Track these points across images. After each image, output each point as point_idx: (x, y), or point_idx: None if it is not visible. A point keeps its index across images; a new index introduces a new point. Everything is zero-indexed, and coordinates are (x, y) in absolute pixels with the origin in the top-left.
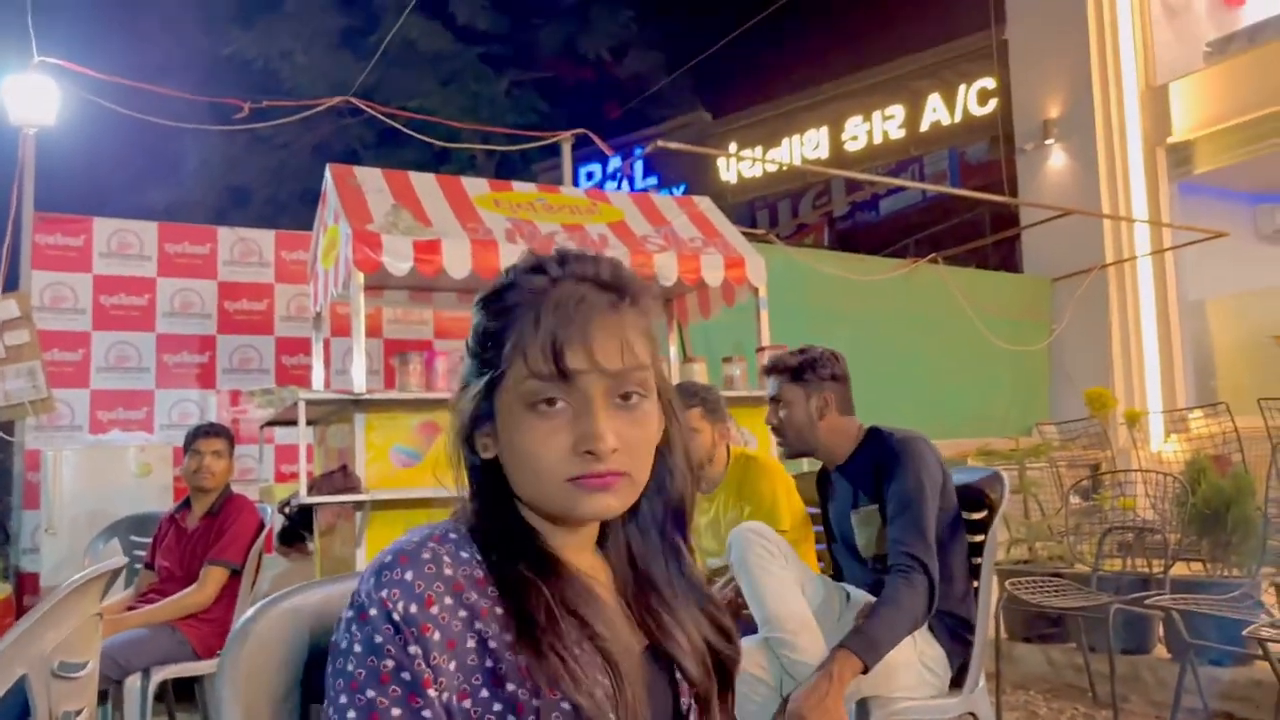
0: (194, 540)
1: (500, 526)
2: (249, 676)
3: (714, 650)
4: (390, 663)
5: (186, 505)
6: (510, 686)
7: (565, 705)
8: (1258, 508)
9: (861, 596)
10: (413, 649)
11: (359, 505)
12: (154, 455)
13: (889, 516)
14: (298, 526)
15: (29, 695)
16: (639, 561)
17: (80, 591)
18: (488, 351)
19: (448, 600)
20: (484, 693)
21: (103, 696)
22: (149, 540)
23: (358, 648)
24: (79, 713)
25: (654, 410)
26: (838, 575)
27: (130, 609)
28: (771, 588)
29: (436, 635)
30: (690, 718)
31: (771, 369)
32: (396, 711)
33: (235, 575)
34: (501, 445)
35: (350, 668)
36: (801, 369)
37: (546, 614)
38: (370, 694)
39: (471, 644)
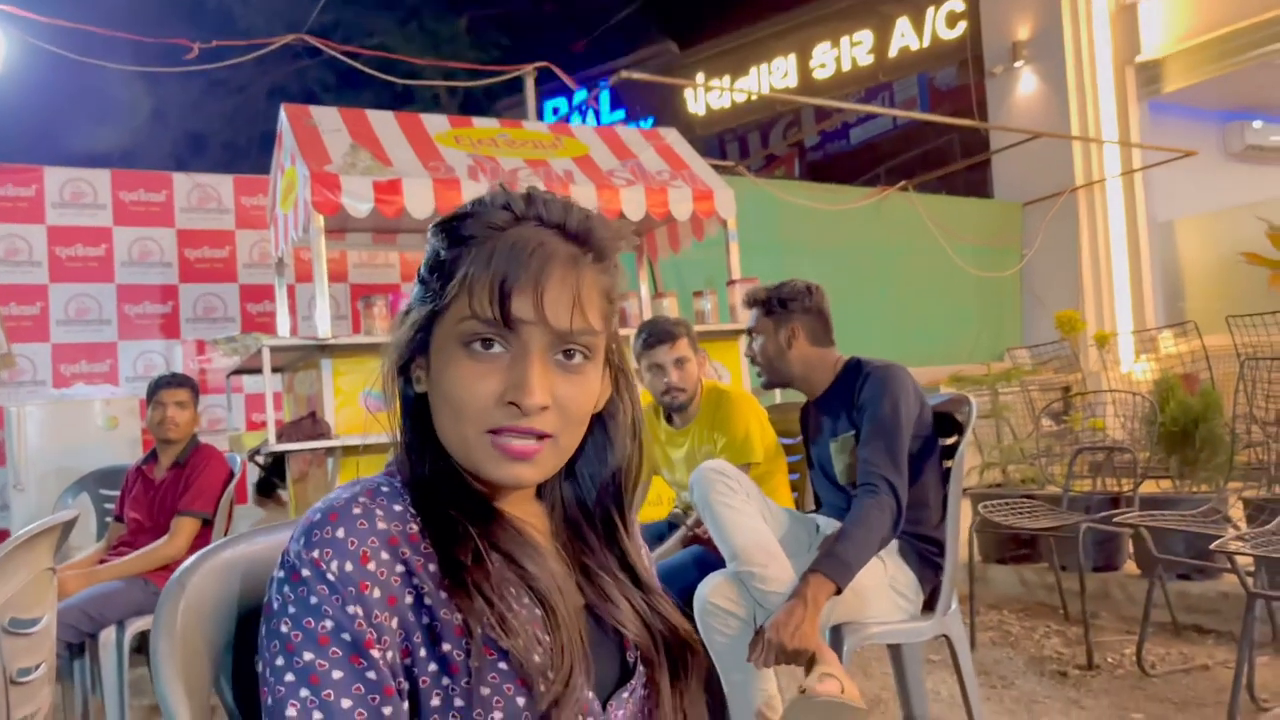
0: (162, 492)
1: (432, 468)
2: (185, 630)
3: (660, 636)
4: (329, 623)
5: (153, 457)
6: (446, 645)
7: (502, 665)
8: (1225, 424)
9: (832, 526)
10: (351, 609)
11: (330, 451)
12: (120, 408)
13: (862, 440)
14: (272, 476)
15: None
16: (573, 518)
17: (27, 546)
18: (435, 280)
19: (384, 555)
20: (421, 651)
21: (79, 650)
22: (118, 493)
23: (292, 609)
24: (36, 668)
25: (595, 374)
26: (817, 506)
27: (101, 562)
28: (736, 522)
29: (376, 592)
30: (634, 679)
31: (747, 302)
32: (338, 674)
33: (206, 525)
34: (431, 381)
35: (285, 629)
36: (770, 301)
37: (475, 556)
38: (308, 656)
39: (409, 600)
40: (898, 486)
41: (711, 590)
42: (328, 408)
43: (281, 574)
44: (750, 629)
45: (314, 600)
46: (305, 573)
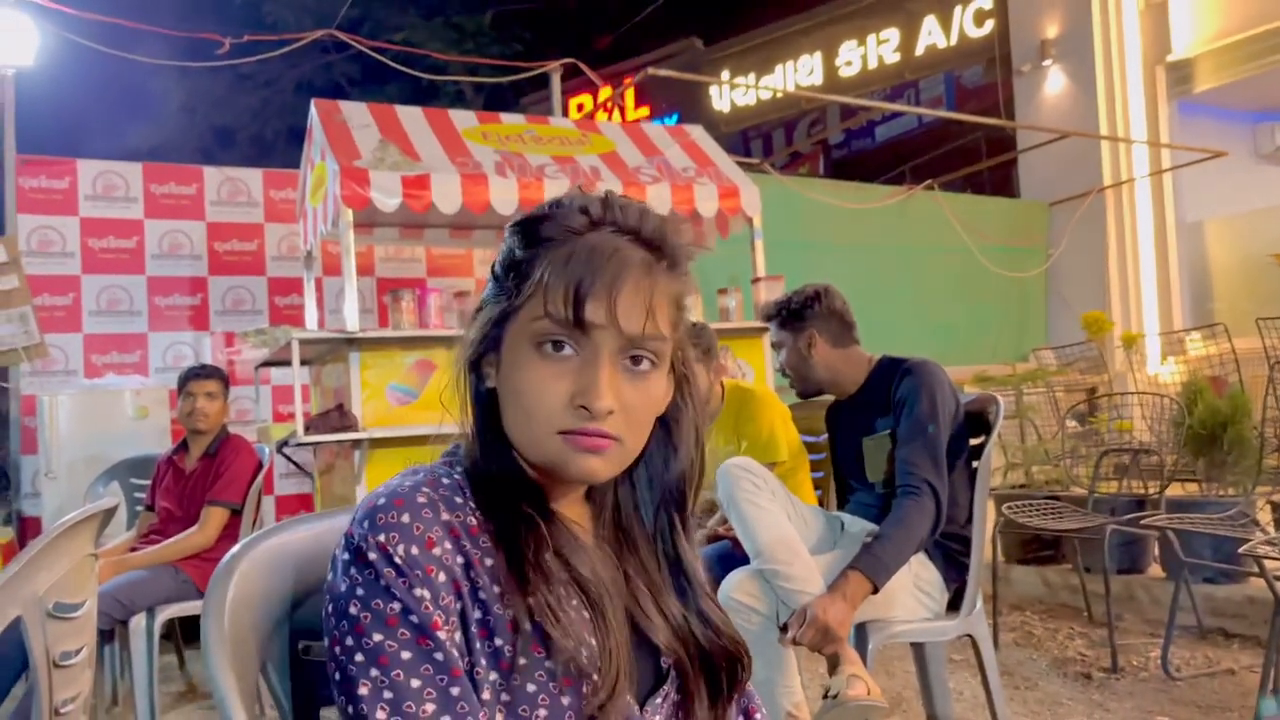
0: (193, 481)
1: (497, 465)
2: (234, 613)
3: (699, 646)
4: (396, 605)
5: (184, 447)
6: (498, 640)
7: (548, 664)
8: (1254, 427)
9: (858, 524)
10: (419, 591)
11: (356, 444)
12: (150, 398)
13: (901, 439)
14: None
15: (24, 637)
16: (624, 522)
17: (71, 532)
18: (510, 279)
19: (447, 544)
20: (476, 643)
21: (109, 636)
22: (148, 482)
23: (360, 591)
24: (78, 652)
25: (662, 380)
26: (841, 504)
27: (132, 550)
28: (761, 520)
29: (441, 577)
30: (668, 684)
31: (762, 317)
32: (407, 655)
33: (236, 515)
34: (501, 378)
35: (354, 611)
36: (783, 312)
37: (536, 553)
38: (378, 637)
39: (466, 590)
40: (939, 489)
41: (735, 586)
42: (355, 400)
43: (347, 556)
44: (773, 625)
45: (382, 583)
46: (372, 556)
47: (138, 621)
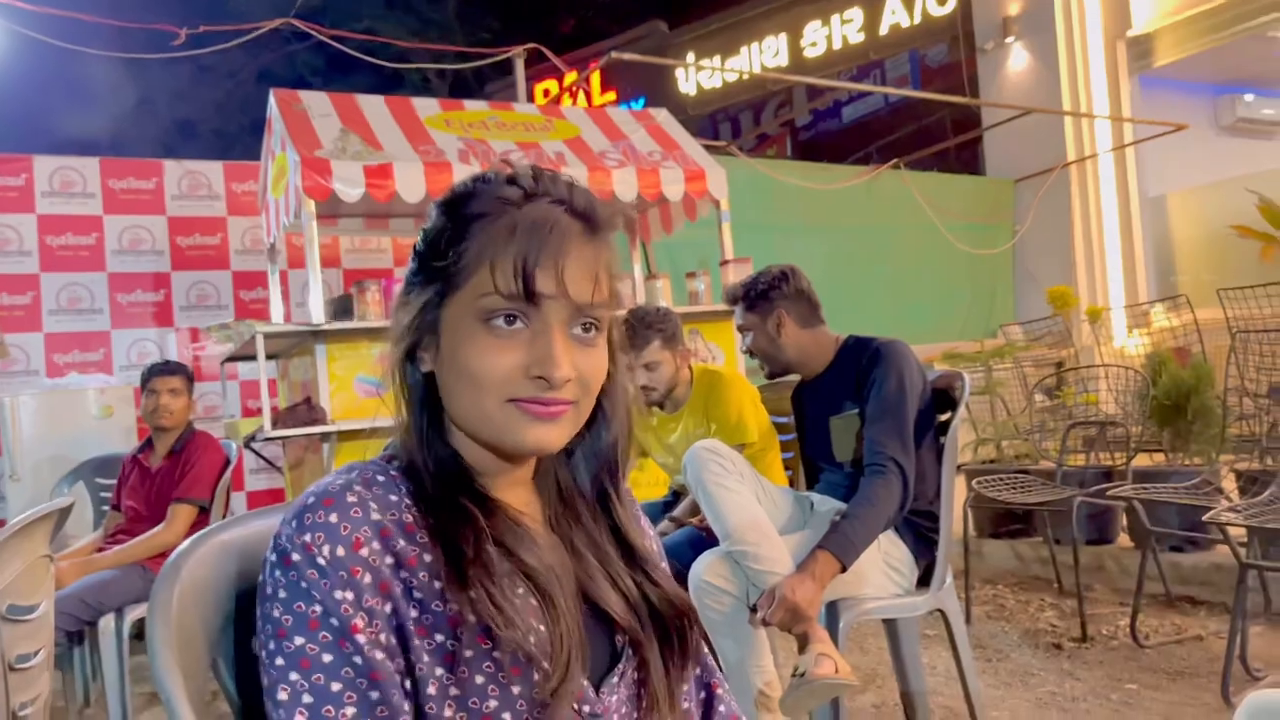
0: (159, 479)
1: (434, 455)
2: (181, 613)
3: (650, 610)
4: (318, 608)
5: (149, 445)
6: (439, 637)
7: (496, 654)
8: (1217, 397)
9: (827, 503)
10: (340, 594)
11: (325, 437)
12: (115, 396)
13: (868, 418)
14: None
15: None
16: (567, 496)
17: (24, 533)
18: (441, 259)
19: (375, 544)
20: (415, 640)
21: (79, 638)
22: (114, 482)
23: (283, 593)
24: (35, 654)
25: (604, 347)
26: (810, 484)
27: (99, 551)
28: (729, 502)
29: (368, 578)
30: (623, 662)
31: (728, 300)
32: (328, 657)
33: (204, 512)
34: (442, 359)
35: (277, 614)
36: (750, 295)
37: (476, 548)
38: (299, 640)
39: (398, 590)
40: (906, 468)
41: (706, 569)
42: (323, 393)
43: (274, 557)
44: (743, 606)
45: (304, 585)
46: (296, 557)
47: (107, 622)
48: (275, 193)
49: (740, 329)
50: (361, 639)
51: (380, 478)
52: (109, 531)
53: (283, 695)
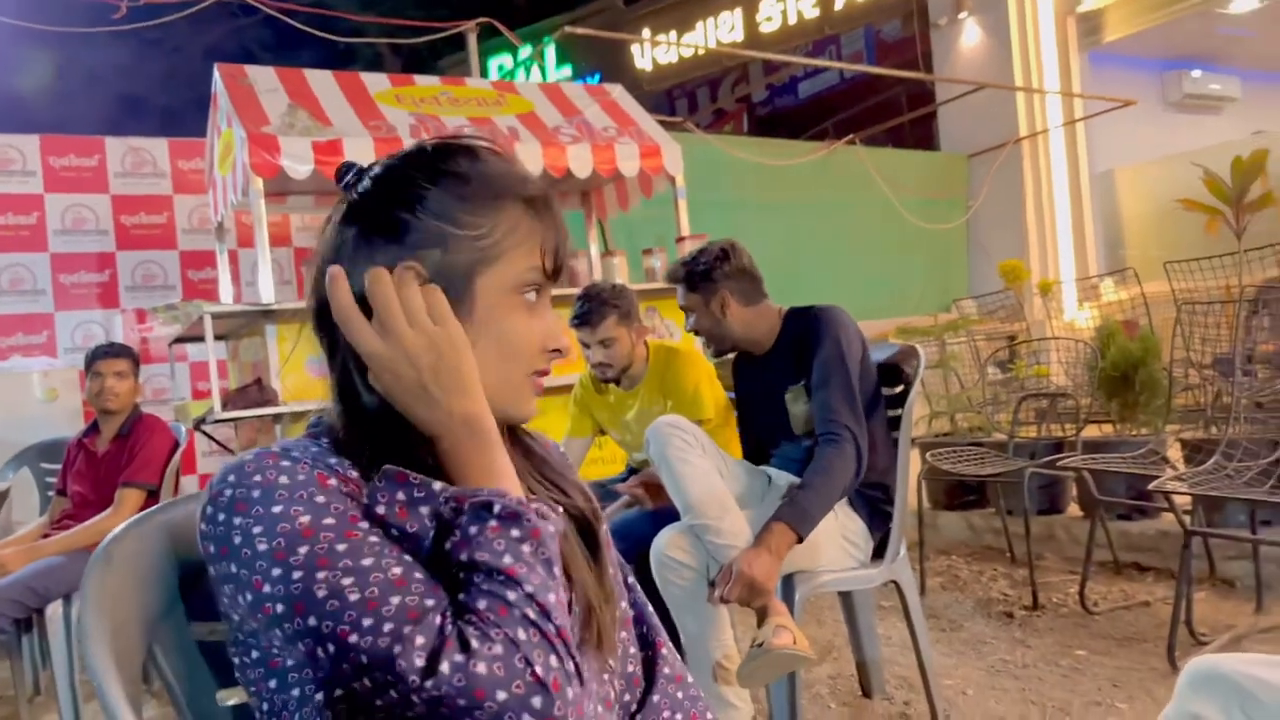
0: (105, 464)
1: (387, 426)
2: (116, 600)
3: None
4: (306, 518)
5: (95, 429)
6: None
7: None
8: (1163, 368)
9: (784, 477)
10: (320, 498)
11: (277, 418)
12: (59, 380)
13: (814, 386)
14: None
15: None
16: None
17: None
18: (470, 227)
19: (332, 482)
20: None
21: (26, 625)
22: (60, 467)
23: (258, 528)
24: None
25: None
26: (756, 459)
27: (45, 537)
28: (691, 476)
29: (340, 489)
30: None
31: (670, 280)
32: (341, 546)
33: (152, 496)
34: (476, 323)
35: (263, 547)
36: (692, 275)
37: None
38: (303, 550)
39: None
40: (858, 433)
41: (667, 543)
42: (274, 374)
43: (222, 515)
44: (703, 580)
45: (277, 509)
46: (255, 494)
47: (54, 609)
48: (222, 170)
49: (684, 309)
50: (364, 524)
51: (314, 447)
52: (55, 517)
53: (322, 592)
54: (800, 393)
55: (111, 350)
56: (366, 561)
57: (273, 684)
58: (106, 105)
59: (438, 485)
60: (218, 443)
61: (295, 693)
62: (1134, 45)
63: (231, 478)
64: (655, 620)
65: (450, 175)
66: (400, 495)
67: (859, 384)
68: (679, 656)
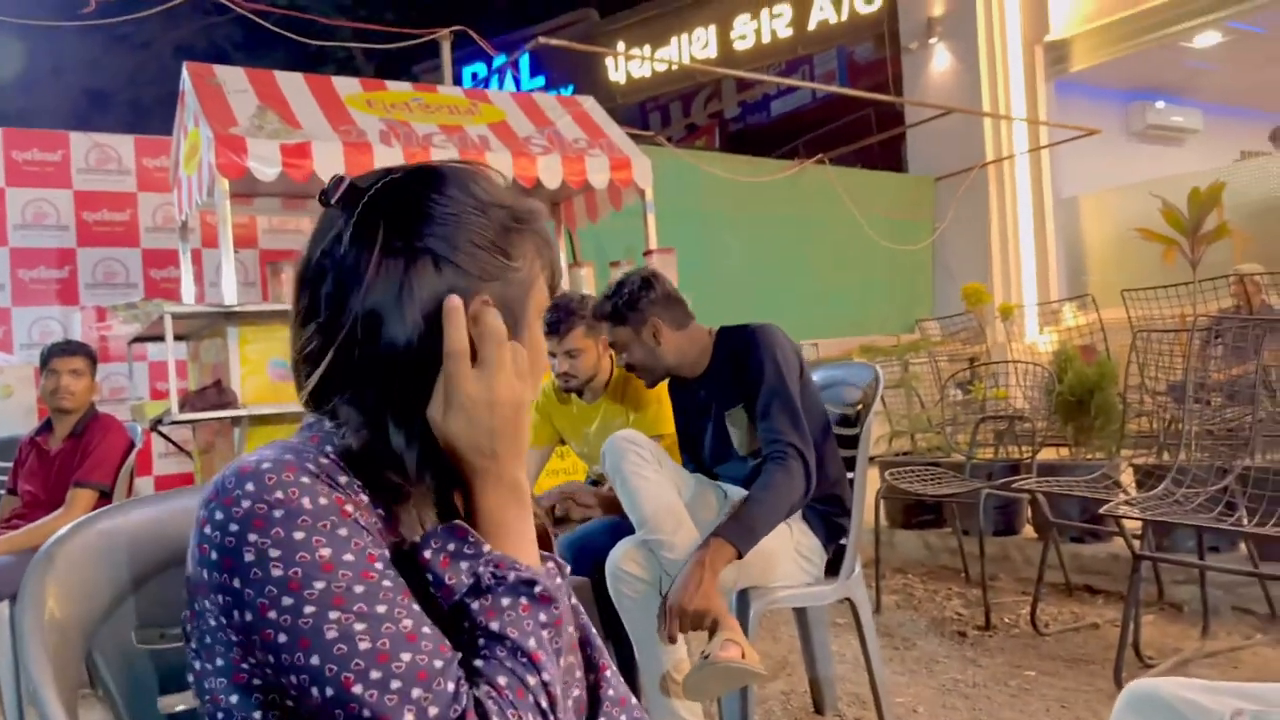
0: (58, 463)
1: (383, 440)
2: (57, 603)
3: None
4: (326, 551)
5: (48, 427)
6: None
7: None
8: (1119, 394)
9: (739, 493)
10: (342, 532)
11: (236, 421)
12: (14, 376)
13: (758, 408)
14: None
15: None
16: None
17: None
18: (516, 258)
19: (351, 505)
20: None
21: None
22: (10, 465)
23: (274, 551)
24: None
25: None
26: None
27: None
28: (646, 491)
29: (360, 517)
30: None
31: (595, 317)
32: (359, 589)
33: (105, 497)
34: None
35: (279, 572)
36: (619, 310)
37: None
38: (319, 585)
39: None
40: (805, 452)
41: (622, 556)
42: (234, 376)
43: (235, 526)
44: (656, 594)
45: (299, 535)
46: (278, 514)
47: (2, 610)
48: (188, 169)
49: (613, 345)
50: (380, 565)
51: (324, 460)
52: (4, 517)
53: (332, 634)
54: (740, 414)
55: (68, 348)
56: (381, 609)
57: (234, 699)
58: (72, 100)
59: (486, 547)
60: (175, 444)
61: (257, 715)
62: (1100, 75)
63: (250, 486)
64: (599, 642)
65: (494, 205)
66: (451, 546)
67: (800, 400)
68: (622, 680)
